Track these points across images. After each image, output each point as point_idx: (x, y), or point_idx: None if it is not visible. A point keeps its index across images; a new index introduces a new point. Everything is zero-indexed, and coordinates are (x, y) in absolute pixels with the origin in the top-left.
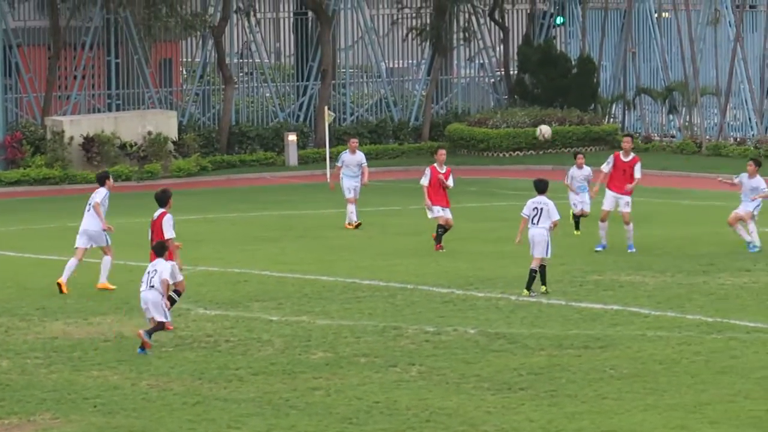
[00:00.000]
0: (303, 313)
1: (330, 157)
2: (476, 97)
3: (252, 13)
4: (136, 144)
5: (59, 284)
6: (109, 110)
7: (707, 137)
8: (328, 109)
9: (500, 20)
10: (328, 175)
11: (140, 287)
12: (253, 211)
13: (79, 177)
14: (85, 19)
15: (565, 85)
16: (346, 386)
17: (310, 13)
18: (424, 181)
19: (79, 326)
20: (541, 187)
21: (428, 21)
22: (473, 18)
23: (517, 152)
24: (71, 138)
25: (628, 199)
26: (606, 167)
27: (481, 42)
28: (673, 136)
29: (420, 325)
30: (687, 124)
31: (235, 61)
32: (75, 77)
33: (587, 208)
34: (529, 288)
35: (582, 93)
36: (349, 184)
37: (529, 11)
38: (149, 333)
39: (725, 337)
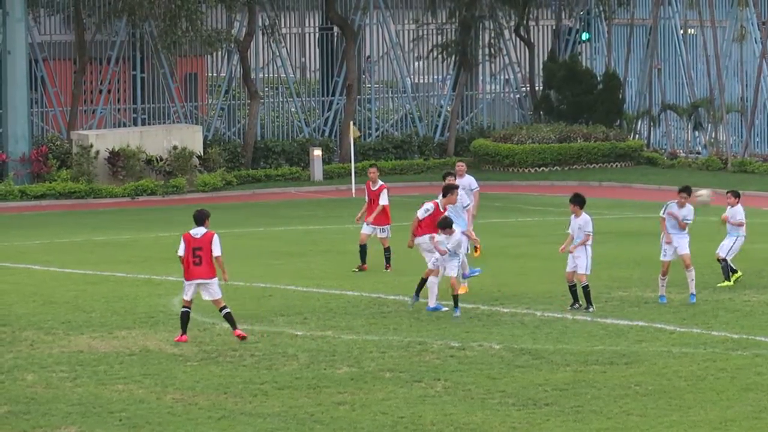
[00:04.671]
0: (328, 327)
1: (355, 172)
2: (501, 112)
3: (277, 29)
4: (161, 158)
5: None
6: (135, 124)
7: (733, 154)
8: (354, 124)
9: (525, 36)
10: (353, 190)
11: None
12: (278, 225)
13: (104, 191)
14: (111, 33)
15: (590, 101)
16: (371, 401)
17: (335, 29)
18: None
19: (104, 340)
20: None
21: (453, 37)
22: (498, 34)
23: (542, 168)
24: (97, 152)
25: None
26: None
27: (506, 58)
28: (698, 153)
29: (445, 341)
30: (712, 140)
31: (261, 75)
32: (100, 91)
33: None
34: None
35: (607, 109)
36: None
37: (554, 27)
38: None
39: (751, 353)
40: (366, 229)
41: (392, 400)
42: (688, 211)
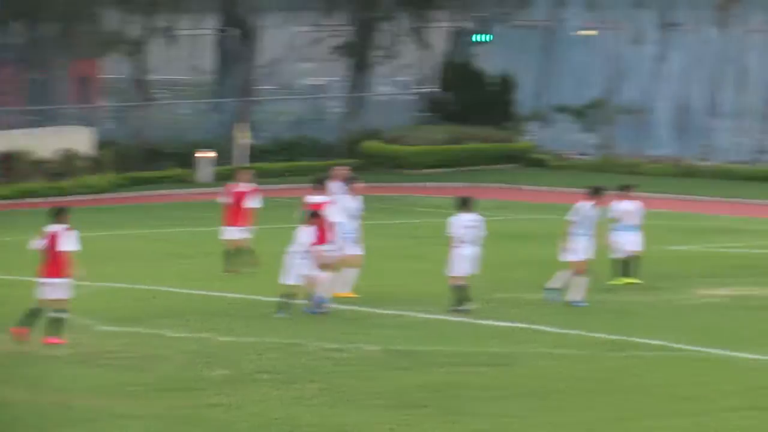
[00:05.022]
0: (208, 329)
1: None
2: (395, 114)
3: (173, 31)
4: (50, 160)
5: None
6: (26, 127)
7: (624, 155)
8: (245, 127)
9: (422, 38)
10: None
11: None
12: (166, 227)
13: None
14: (6, 34)
15: (483, 103)
16: (246, 402)
17: (231, 30)
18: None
19: None
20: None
21: (349, 39)
22: (395, 35)
23: (432, 169)
24: None
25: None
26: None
27: (401, 59)
28: (589, 154)
29: (321, 342)
30: (604, 142)
31: (155, 77)
32: None
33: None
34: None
35: (501, 111)
36: None
37: (451, 29)
38: None
39: (628, 355)
40: (231, 233)
41: (267, 402)
42: (600, 211)
